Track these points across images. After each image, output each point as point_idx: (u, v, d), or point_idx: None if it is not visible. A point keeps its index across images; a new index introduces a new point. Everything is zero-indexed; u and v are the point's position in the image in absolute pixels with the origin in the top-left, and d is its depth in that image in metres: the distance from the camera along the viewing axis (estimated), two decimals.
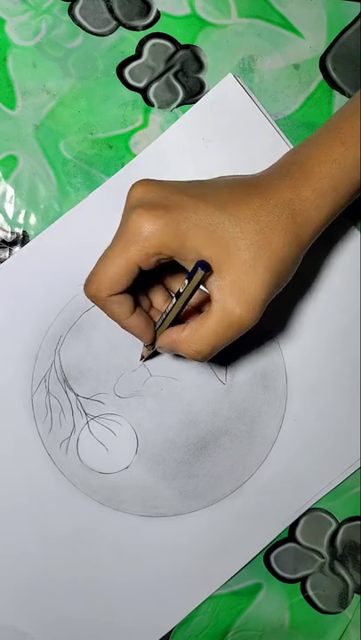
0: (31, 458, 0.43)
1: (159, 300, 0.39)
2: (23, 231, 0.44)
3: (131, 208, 0.34)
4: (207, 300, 0.39)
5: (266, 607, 0.46)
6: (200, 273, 0.33)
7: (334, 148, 0.35)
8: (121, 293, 0.35)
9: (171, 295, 0.40)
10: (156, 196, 0.34)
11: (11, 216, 0.43)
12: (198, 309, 0.40)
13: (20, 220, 0.43)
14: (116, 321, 0.36)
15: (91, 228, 0.43)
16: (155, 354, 0.43)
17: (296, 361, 0.45)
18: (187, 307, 0.36)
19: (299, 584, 0.46)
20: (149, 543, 0.44)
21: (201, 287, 0.34)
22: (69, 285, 0.43)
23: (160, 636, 0.45)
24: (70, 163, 0.43)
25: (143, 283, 0.38)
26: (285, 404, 0.45)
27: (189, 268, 0.34)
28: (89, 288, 0.35)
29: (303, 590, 0.46)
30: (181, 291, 0.34)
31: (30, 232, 0.44)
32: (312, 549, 0.46)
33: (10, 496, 0.43)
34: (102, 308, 0.36)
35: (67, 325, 0.43)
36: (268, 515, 0.45)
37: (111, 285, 0.34)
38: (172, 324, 0.37)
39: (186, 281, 0.34)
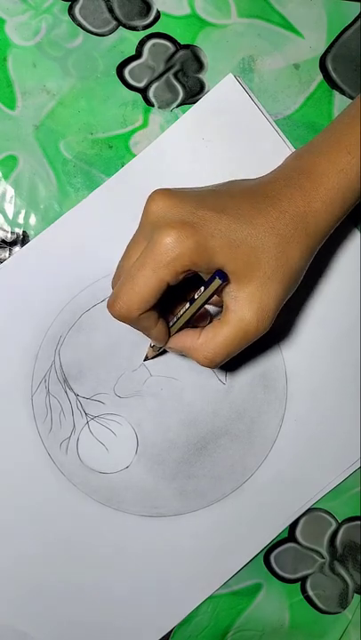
0: (31, 458, 0.43)
1: (171, 303, 0.39)
2: (23, 231, 0.44)
3: (155, 225, 0.34)
4: (218, 303, 0.39)
5: (266, 607, 0.46)
6: (217, 282, 0.33)
7: (340, 158, 0.36)
8: (149, 309, 0.35)
9: (176, 299, 0.40)
10: (182, 212, 0.34)
11: (11, 216, 0.43)
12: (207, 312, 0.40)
13: (20, 220, 0.43)
14: (141, 332, 0.37)
15: (91, 228, 0.43)
16: (159, 354, 0.43)
17: (296, 361, 0.45)
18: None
19: (299, 584, 0.46)
20: (149, 543, 0.44)
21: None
22: (69, 285, 0.43)
23: (160, 636, 0.45)
24: (70, 163, 0.43)
25: None
26: (285, 404, 0.45)
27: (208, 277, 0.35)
28: (118, 309, 0.35)
29: (303, 590, 0.46)
30: (196, 297, 0.35)
31: (30, 232, 0.44)
32: (312, 549, 0.46)
33: (10, 496, 0.43)
34: (131, 324, 0.36)
35: (67, 325, 0.43)
36: (268, 515, 0.45)
37: (142, 306, 0.34)
38: (182, 327, 0.37)
39: (202, 288, 0.34)
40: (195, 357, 0.36)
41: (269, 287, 0.35)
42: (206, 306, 0.40)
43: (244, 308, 0.35)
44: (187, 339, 0.37)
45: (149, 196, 0.35)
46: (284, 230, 0.35)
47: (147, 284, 0.33)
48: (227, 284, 0.35)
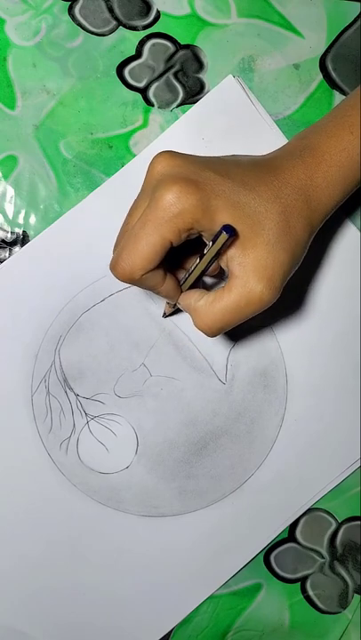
0: (31, 458, 0.43)
1: (183, 258, 0.39)
2: (23, 231, 0.44)
3: (158, 181, 0.33)
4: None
5: (266, 607, 0.46)
6: (224, 236, 0.32)
7: (343, 137, 0.36)
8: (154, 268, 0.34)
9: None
10: (185, 171, 0.33)
11: (11, 216, 0.43)
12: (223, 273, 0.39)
13: (20, 220, 0.43)
14: (149, 290, 0.36)
15: (91, 228, 0.43)
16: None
17: (296, 361, 0.45)
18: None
19: (299, 584, 0.46)
20: (149, 543, 0.44)
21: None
22: (69, 285, 0.43)
23: (160, 636, 0.45)
24: (70, 163, 0.43)
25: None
26: (285, 403, 0.45)
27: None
28: (121, 269, 0.34)
29: (303, 590, 0.46)
30: (205, 252, 0.34)
31: (30, 232, 0.44)
32: (312, 549, 0.46)
33: (10, 496, 0.43)
34: (135, 284, 0.35)
35: (67, 325, 0.43)
36: (268, 514, 0.45)
37: (146, 265, 0.33)
38: (195, 285, 0.37)
39: (210, 243, 0.34)
40: (193, 320, 0.35)
41: (275, 255, 0.34)
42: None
43: (248, 274, 0.34)
44: (191, 298, 0.36)
45: (153, 157, 0.34)
46: (287, 200, 0.34)
47: (149, 242, 0.33)
48: (234, 240, 0.34)
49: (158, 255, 0.33)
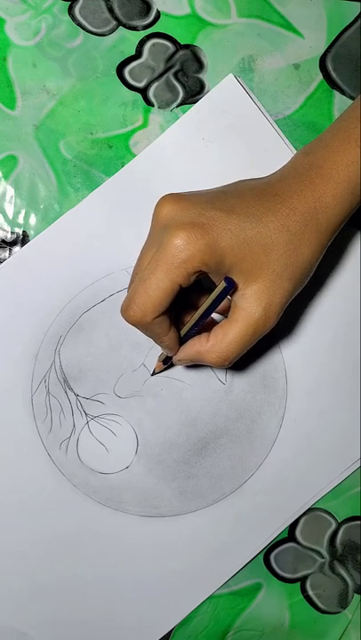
0: (31, 458, 0.43)
1: (183, 314, 0.40)
2: (23, 231, 0.44)
3: (165, 227, 0.34)
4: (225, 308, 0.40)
5: (266, 607, 0.46)
6: (222, 285, 0.34)
7: (350, 150, 0.36)
8: (163, 314, 0.35)
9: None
10: (191, 214, 0.34)
11: (11, 216, 0.43)
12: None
13: (20, 220, 0.43)
14: (154, 339, 0.37)
15: (91, 228, 0.43)
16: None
17: (296, 361, 0.45)
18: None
19: (299, 584, 0.46)
20: (149, 543, 0.44)
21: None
22: (69, 285, 0.43)
23: (160, 636, 0.45)
24: (70, 163, 0.43)
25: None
26: (285, 403, 0.45)
27: (218, 281, 0.35)
28: (132, 313, 0.35)
29: (303, 590, 0.46)
30: (205, 305, 0.36)
31: (30, 232, 0.44)
32: (312, 549, 0.46)
33: (10, 496, 0.43)
34: (145, 330, 0.36)
35: (67, 325, 0.43)
36: (268, 515, 0.45)
37: (156, 309, 0.34)
38: (192, 336, 0.38)
39: (213, 294, 0.35)
40: (207, 360, 0.36)
41: (279, 284, 0.35)
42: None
43: (252, 305, 0.35)
44: (195, 345, 0.37)
45: (158, 202, 0.35)
46: (295, 227, 0.35)
47: (159, 286, 0.34)
48: (235, 291, 0.35)
49: (168, 298, 0.34)
